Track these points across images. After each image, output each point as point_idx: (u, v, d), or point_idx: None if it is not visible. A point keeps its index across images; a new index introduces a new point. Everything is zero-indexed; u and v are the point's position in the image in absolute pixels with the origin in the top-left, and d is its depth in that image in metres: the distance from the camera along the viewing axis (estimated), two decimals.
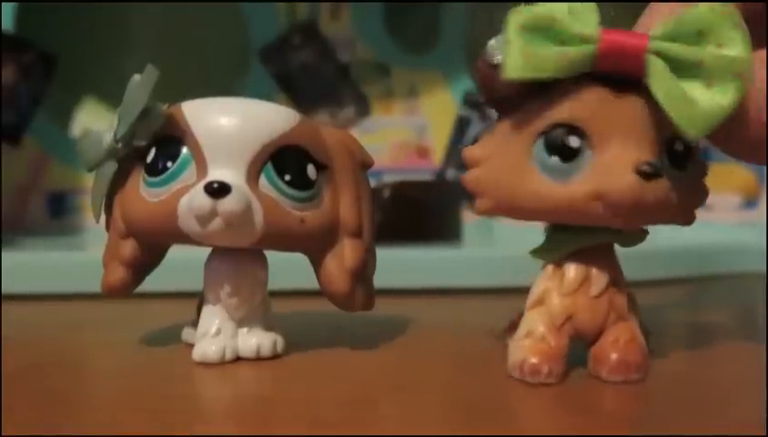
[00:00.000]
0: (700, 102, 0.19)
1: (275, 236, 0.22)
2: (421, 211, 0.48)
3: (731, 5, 0.19)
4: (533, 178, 0.20)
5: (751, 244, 0.47)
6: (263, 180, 0.22)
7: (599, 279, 0.21)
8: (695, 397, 0.20)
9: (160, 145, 0.22)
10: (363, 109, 0.64)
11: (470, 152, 0.21)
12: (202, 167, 0.22)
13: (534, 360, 0.20)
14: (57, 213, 0.64)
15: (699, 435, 0.16)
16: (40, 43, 0.62)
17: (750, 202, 0.60)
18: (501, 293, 0.37)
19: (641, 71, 0.19)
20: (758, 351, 0.24)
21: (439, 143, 0.64)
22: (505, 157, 0.21)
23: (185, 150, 0.22)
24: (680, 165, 0.21)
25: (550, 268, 0.22)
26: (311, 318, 0.31)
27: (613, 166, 0.19)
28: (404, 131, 0.64)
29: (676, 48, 0.19)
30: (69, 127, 0.63)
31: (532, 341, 0.21)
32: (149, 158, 0.22)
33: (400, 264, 0.38)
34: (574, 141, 0.20)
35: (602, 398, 0.19)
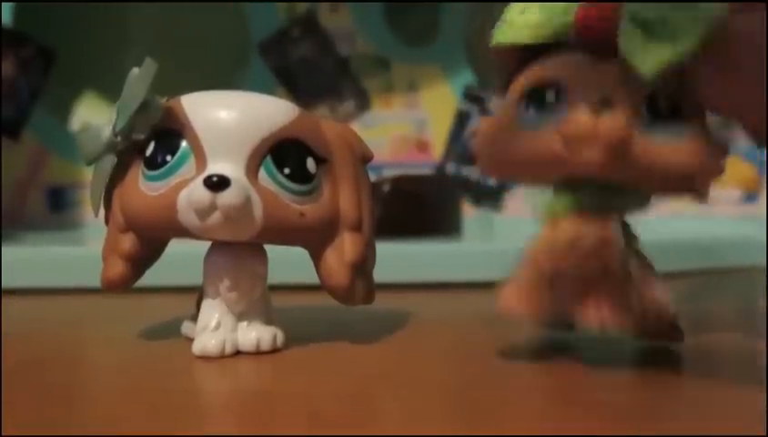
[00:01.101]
0: (655, 41, 0.20)
1: (274, 229, 0.22)
2: (421, 205, 0.48)
3: None
4: (515, 133, 0.22)
5: (751, 238, 0.47)
6: (262, 174, 0.22)
7: (591, 238, 0.21)
8: (694, 395, 0.19)
9: (159, 138, 0.22)
10: (363, 103, 0.64)
11: (479, 123, 0.23)
12: (201, 161, 0.21)
13: (508, 298, 0.21)
14: (57, 207, 0.64)
15: (698, 435, 0.16)
16: (39, 37, 0.62)
17: (750, 196, 0.60)
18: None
19: (614, 36, 0.20)
20: (758, 346, 0.24)
21: (438, 137, 0.64)
22: (498, 119, 0.23)
23: (184, 144, 0.22)
24: (665, 122, 0.21)
25: (546, 227, 0.22)
26: (311, 312, 0.31)
27: (575, 108, 0.21)
28: (404, 125, 0.64)
29: (642, 8, 0.20)
30: (68, 121, 0.63)
31: (512, 285, 0.22)
32: (148, 152, 0.22)
33: (400, 258, 0.38)
34: (550, 96, 0.21)
35: (601, 394, 0.19)
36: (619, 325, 0.21)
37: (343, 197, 0.23)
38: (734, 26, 0.20)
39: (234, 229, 0.21)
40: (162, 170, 0.22)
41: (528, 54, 0.22)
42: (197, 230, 0.21)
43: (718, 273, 0.44)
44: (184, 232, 0.22)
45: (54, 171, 0.63)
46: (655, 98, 0.21)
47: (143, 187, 0.22)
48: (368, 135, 0.69)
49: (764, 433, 0.16)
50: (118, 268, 0.23)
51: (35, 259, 0.37)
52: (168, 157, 0.22)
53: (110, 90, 0.63)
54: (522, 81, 0.22)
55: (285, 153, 0.22)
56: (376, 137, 0.63)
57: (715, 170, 0.22)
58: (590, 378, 0.20)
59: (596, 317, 0.21)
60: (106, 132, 0.22)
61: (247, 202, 0.21)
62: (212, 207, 0.21)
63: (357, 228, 0.23)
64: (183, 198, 0.21)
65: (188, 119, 0.22)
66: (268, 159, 0.22)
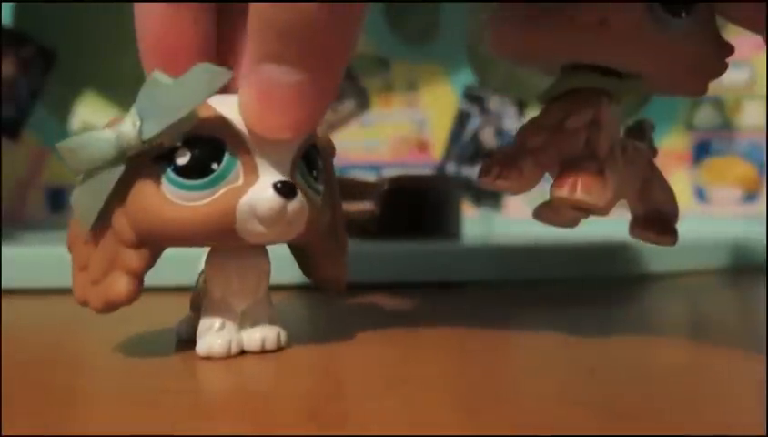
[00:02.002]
0: None
1: (310, 231, 0.22)
2: (421, 205, 0.48)
3: None
4: None
5: (751, 238, 0.47)
6: (298, 178, 0.22)
7: (578, 117, 0.22)
8: (694, 394, 0.19)
9: (194, 145, 0.21)
10: (363, 103, 0.64)
11: None
12: (250, 168, 0.21)
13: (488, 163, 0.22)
14: (57, 208, 0.64)
15: (698, 435, 0.16)
16: (39, 37, 0.62)
17: (750, 196, 0.60)
18: (501, 286, 0.37)
19: None
20: (758, 347, 0.24)
21: (438, 137, 0.64)
22: None
23: (228, 150, 0.21)
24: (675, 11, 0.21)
25: (542, 107, 0.23)
26: (311, 312, 0.31)
27: None
28: (404, 125, 0.64)
29: None
30: (68, 121, 0.63)
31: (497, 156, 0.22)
32: (184, 160, 0.21)
33: (400, 258, 0.38)
34: None
35: (602, 393, 0.19)
36: (592, 200, 0.21)
37: (333, 193, 0.24)
38: None
39: (287, 234, 0.22)
40: (208, 179, 0.21)
41: None
42: (250, 237, 0.21)
43: (717, 273, 0.44)
44: (233, 239, 0.21)
45: (54, 171, 0.63)
46: None
47: (173, 197, 0.21)
48: (368, 135, 0.69)
49: (764, 433, 0.16)
50: (129, 285, 0.22)
51: (35, 259, 0.37)
52: (214, 165, 0.21)
53: (110, 90, 0.63)
54: None
55: (310, 156, 0.22)
56: (375, 136, 0.63)
57: (718, 69, 0.22)
58: (589, 377, 0.20)
59: (569, 187, 0.21)
60: (111, 139, 0.20)
61: (305, 207, 0.21)
62: (283, 214, 0.21)
63: (343, 222, 0.25)
64: (244, 204, 0.21)
65: (230, 125, 0.21)
66: (302, 163, 0.22)
